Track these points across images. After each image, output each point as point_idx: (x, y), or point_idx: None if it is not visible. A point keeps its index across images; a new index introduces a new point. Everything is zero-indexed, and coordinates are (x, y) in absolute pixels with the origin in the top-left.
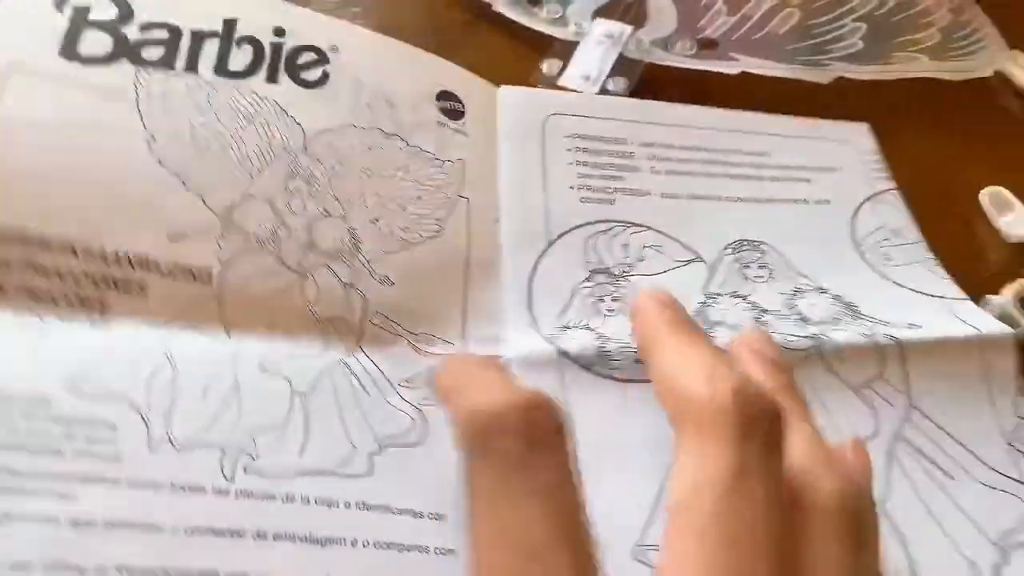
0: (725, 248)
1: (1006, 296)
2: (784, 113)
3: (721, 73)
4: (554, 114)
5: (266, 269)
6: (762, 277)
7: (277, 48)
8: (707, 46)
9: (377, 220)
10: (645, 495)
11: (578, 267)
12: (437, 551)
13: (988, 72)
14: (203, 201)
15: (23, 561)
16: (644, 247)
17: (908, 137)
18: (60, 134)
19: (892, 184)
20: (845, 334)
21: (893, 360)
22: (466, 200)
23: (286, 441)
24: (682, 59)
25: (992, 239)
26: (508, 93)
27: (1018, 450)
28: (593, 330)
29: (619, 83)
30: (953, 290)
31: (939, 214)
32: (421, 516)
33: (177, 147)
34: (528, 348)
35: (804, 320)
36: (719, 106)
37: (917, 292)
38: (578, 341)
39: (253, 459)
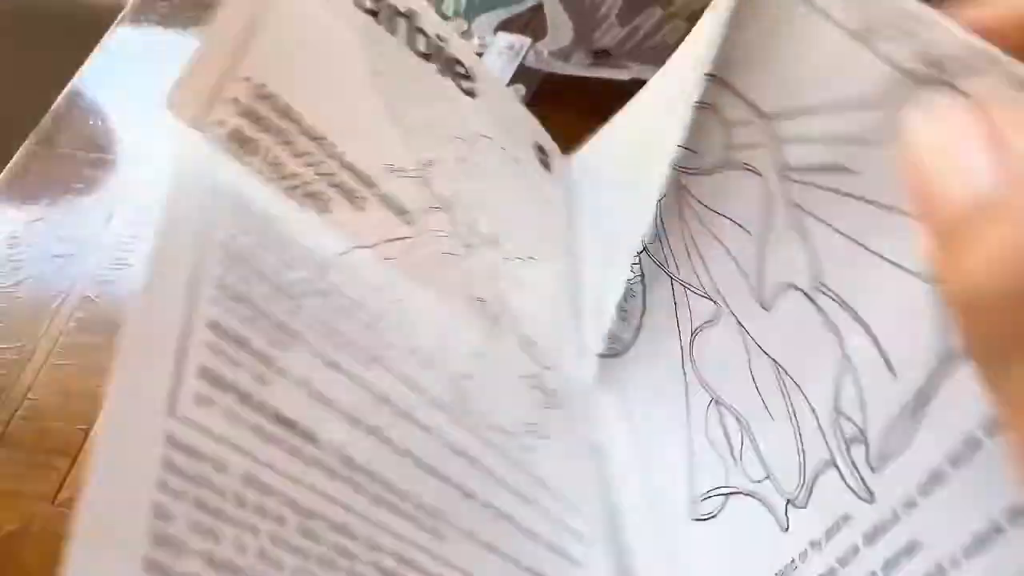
0: None
1: None
2: None
3: (613, 80)
4: None
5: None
6: None
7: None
8: (601, 55)
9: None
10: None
11: None
12: None
13: None
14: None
15: None
16: None
17: None
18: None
19: None
20: None
21: None
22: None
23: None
24: (578, 68)
25: None
26: None
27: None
28: None
29: (519, 90)
30: None
31: None
32: None
33: (393, 83)
34: None
35: None
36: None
37: None
38: None
39: None
